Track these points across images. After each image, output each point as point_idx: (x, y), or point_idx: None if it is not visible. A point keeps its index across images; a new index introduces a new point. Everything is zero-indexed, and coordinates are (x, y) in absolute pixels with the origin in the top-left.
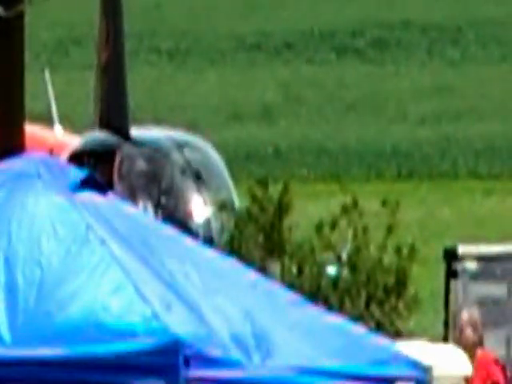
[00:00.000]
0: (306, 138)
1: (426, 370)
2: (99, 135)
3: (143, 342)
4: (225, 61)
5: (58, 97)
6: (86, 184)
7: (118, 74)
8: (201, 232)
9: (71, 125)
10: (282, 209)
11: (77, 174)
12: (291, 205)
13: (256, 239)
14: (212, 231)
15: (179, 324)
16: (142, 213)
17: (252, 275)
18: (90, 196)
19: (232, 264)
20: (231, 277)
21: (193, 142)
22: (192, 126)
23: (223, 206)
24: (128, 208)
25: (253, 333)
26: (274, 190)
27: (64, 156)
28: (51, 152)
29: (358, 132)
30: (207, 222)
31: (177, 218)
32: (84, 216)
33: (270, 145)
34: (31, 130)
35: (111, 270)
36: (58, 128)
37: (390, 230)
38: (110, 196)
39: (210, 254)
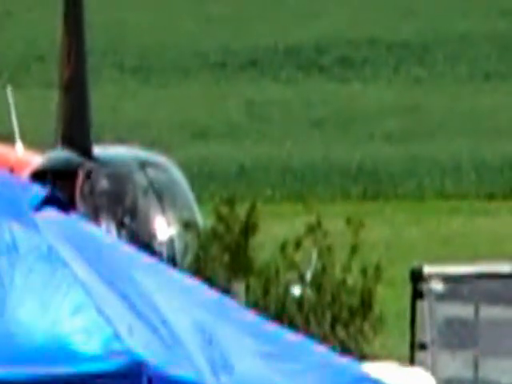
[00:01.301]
0: (271, 157)
1: None
2: (61, 153)
3: (106, 364)
4: (189, 78)
5: (19, 114)
6: (49, 202)
7: (80, 92)
8: (164, 252)
9: (33, 143)
10: (249, 228)
11: (39, 191)
12: (257, 224)
13: (221, 259)
14: (175, 251)
15: (142, 345)
16: (104, 233)
17: (215, 294)
18: (52, 214)
19: (195, 283)
20: (194, 296)
21: (156, 161)
22: (155, 144)
23: (187, 226)
24: (91, 228)
25: (219, 353)
26: (240, 210)
27: (25, 174)
28: (12, 170)
29: (323, 151)
30: (171, 242)
31: (140, 238)
32: (46, 235)
33: (235, 163)
34: None
35: (73, 290)
36: (19, 146)
37: (354, 249)
38: (73, 215)
39: (174, 273)
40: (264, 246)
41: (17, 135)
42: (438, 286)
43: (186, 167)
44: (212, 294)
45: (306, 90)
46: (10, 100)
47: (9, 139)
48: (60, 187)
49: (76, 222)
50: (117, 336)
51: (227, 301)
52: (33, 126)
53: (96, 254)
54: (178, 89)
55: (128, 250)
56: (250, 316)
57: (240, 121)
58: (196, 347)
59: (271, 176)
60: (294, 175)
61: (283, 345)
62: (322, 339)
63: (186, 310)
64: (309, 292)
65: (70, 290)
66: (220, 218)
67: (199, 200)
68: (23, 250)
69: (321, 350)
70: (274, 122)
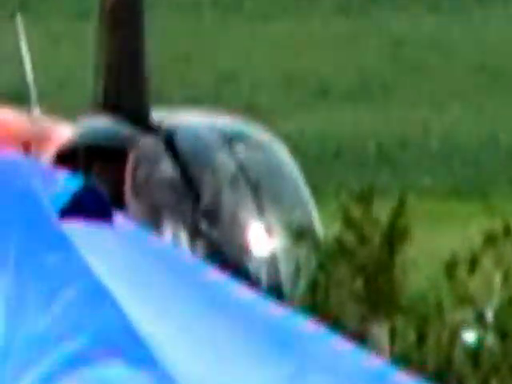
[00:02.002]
0: (427, 128)
1: None
2: (102, 123)
3: None
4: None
5: (36, 59)
6: (82, 201)
7: (133, 24)
8: (263, 276)
9: (58, 106)
10: (394, 238)
11: (68, 185)
12: (408, 232)
13: (352, 286)
14: (280, 274)
15: None
16: (168, 245)
17: (346, 345)
18: (87, 221)
19: (310, 327)
20: (305, 350)
21: (250, 135)
22: (248, 108)
23: (299, 235)
24: (148, 238)
25: None
26: (380, 209)
27: (47, 155)
28: (26, 149)
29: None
30: (273, 261)
31: (225, 253)
32: (77, 254)
33: (372, 139)
34: None
35: None
36: (36, 111)
37: None
38: (120, 219)
39: (274, 311)
40: (418, 266)
41: (33, 94)
42: None
43: (295, 144)
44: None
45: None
46: (22, 37)
47: (21, 101)
48: (100, 175)
49: (125, 230)
50: None
51: (363, 355)
52: (57, 80)
53: (154, 281)
54: (279, 24)
55: (205, 273)
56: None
57: (381, 75)
58: None
59: (426, 158)
60: (462, 157)
61: None
62: None
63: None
64: (490, 339)
65: None
66: (350, 222)
67: (317, 195)
68: (38, 296)
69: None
70: (430, 74)
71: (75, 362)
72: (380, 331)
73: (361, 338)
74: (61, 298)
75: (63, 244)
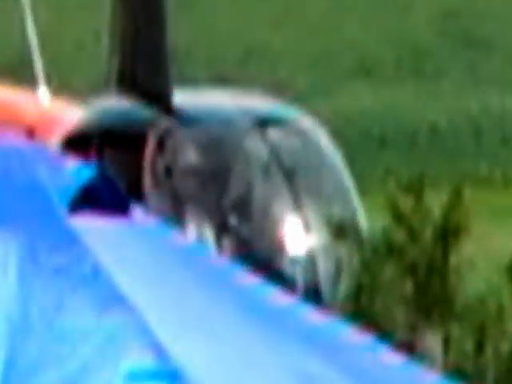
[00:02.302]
0: (485, 107)
1: None
2: (117, 104)
3: None
4: None
5: (43, 33)
6: (95, 193)
7: None
8: (299, 277)
9: (67, 85)
10: (449, 235)
11: (78, 174)
12: (464, 227)
13: (401, 290)
14: (319, 276)
15: None
16: (193, 243)
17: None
18: (101, 216)
19: (354, 336)
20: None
21: (285, 118)
22: (281, 88)
23: (340, 232)
24: (169, 235)
25: None
26: (433, 200)
27: (55, 141)
28: (31, 134)
29: None
30: (310, 260)
31: (256, 251)
32: (89, 254)
33: (422, 120)
34: None
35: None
36: (42, 91)
37: None
38: (138, 213)
39: (312, 318)
40: (475, 266)
41: (39, 72)
42: None
43: (336, 128)
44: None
45: None
46: (26, 7)
47: (26, 79)
48: (115, 164)
49: (144, 227)
50: None
51: (412, 369)
52: (66, 55)
53: (178, 286)
54: None
55: (235, 275)
56: None
57: (432, 49)
58: None
59: (484, 143)
60: None
61: None
62: None
63: None
64: None
65: (130, 346)
66: (398, 215)
67: (361, 185)
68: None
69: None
70: (486, 48)
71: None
72: (433, 340)
73: (411, 349)
74: (70, 304)
75: (74, 243)
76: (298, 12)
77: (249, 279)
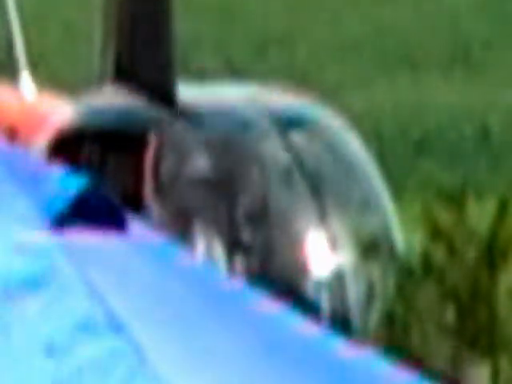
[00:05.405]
0: None
1: None
2: (113, 100)
3: None
4: None
5: (27, 16)
6: (87, 204)
7: None
8: (325, 302)
9: (55, 77)
10: (496, 254)
11: (67, 182)
12: None
13: (441, 316)
14: (348, 301)
15: None
16: (201, 263)
17: None
18: (94, 231)
19: (388, 370)
20: None
21: (309, 117)
22: (304, 82)
23: (372, 248)
24: (174, 253)
25: None
26: (477, 215)
27: (40, 141)
28: (13, 133)
29: None
30: (338, 282)
31: (274, 271)
32: (81, 275)
33: (469, 119)
34: None
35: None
36: (26, 84)
37: None
38: (137, 227)
39: (341, 350)
40: None
41: (22, 62)
42: None
43: (368, 129)
44: None
45: None
46: None
47: (7, 71)
48: (111, 169)
49: (144, 245)
50: None
51: None
52: (54, 43)
53: (183, 311)
54: None
55: (250, 301)
56: None
57: (481, 36)
58: None
59: None
60: None
61: None
62: None
63: None
64: None
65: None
66: (438, 231)
67: (397, 195)
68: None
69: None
70: None
71: None
72: (478, 374)
73: (454, 383)
74: (59, 335)
75: (62, 262)
76: None
77: (267, 305)
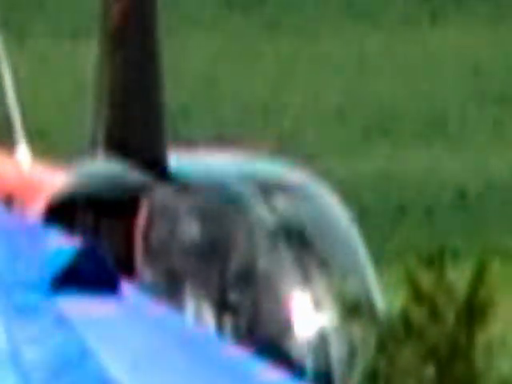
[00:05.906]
0: None
1: None
2: (105, 168)
3: None
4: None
5: (22, 89)
6: (81, 267)
7: (145, 45)
8: (309, 361)
9: (50, 146)
10: (475, 313)
11: (63, 247)
12: (491, 305)
13: (421, 374)
14: (330, 360)
15: None
16: (191, 324)
17: None
18: (87, 293)
19: None
20: None
21: (292, 183)
22: (289, 148)
23: (353, 309)
24: (163, 315)
25: None
26: (455, 276)
27: (37, 208)
28: (10, 200)
29: None
30: (321, 342)
31: (260, 331)
32: (75, 342)
33: (446, 184)
34: None
35: None
36: (22, 151)
37: None
38: (128, 290)
39: None
40: (506, 347)
41: (18, 130)
42: None
43: (350, 194)
44: None
45: None
46: (3, 61)
47: (4, 141)
48: (104, 234)
49: (135, 310)
50: None
51: None
52: (48, 114)
53: (175, 374)
54: (328, 42)
55: (238, 361)
56: None
57: (458, 107)
58: None
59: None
60: None
61: None
62: None
63: None
64: None
65: None
66: (418, 292)
67: (377, 258)
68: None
69: None
70: None
71: None
72: None
73: None
74: None
75: (59, 324)
76: (307, 64)
77: (268, 376)
